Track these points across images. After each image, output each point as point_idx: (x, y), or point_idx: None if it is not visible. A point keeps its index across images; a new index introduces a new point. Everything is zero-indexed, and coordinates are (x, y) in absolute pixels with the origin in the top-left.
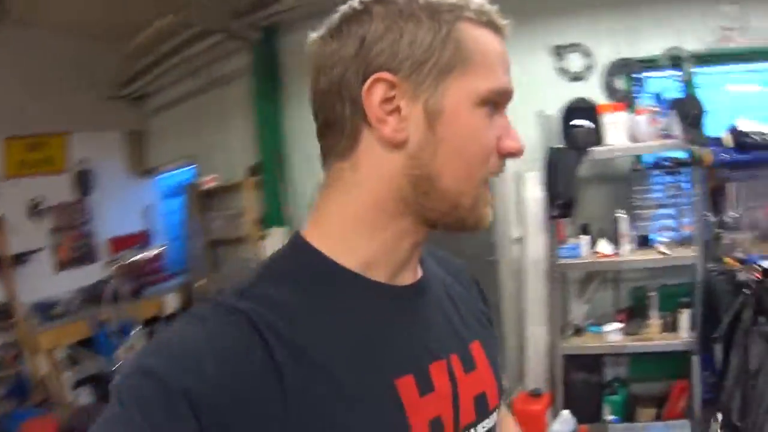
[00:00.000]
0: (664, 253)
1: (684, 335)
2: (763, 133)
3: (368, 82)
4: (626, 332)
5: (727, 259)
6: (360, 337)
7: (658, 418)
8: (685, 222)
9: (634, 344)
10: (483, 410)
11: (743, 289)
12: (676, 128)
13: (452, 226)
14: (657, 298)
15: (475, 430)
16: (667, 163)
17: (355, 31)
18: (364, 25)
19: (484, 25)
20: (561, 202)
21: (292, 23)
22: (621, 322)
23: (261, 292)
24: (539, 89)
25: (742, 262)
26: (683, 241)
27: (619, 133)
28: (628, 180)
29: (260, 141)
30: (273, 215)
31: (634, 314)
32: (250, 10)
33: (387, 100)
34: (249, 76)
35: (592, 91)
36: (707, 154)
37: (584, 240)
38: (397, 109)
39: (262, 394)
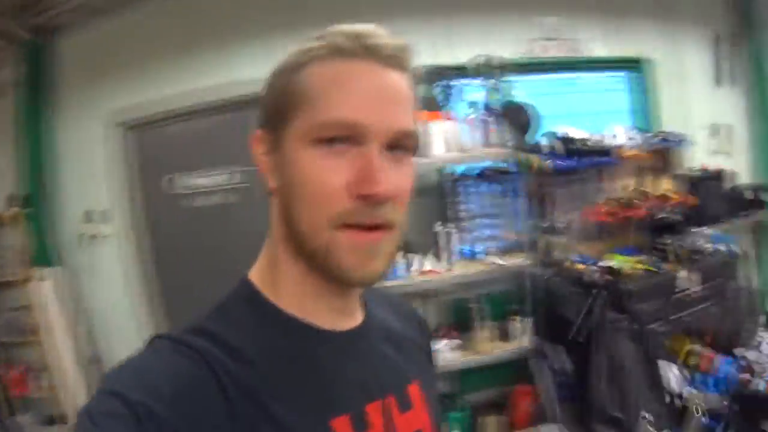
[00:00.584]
0: (492, 263)
1: (518, 342)
2: (585, 140)
3: (250, 138)
4: (459, 348)
5: (568, 263)
6: (300, 379)
7: (506, 426)
8: (510, 230)
9: (472, 358)
10: None
11: (592, 290)
12: (504, 136)
13: (327, 277)
14: (485, 308)
15: None
16: (490, 172)
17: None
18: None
19: (339, 54)
20: None
21: (72, 24)
22: (452, 338)
23: (212, 331)
24: None
25: (581, 264)
26: (509, 249)
27: (440, 142)
28: (448, 192)
29: (26, 165)
30: (41, 253)
31: (461, 327)
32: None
33: (263, 153)
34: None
35: None
36: (537, 162)
37: (403, 260)
38: (269, 160)
39: (212, 422)
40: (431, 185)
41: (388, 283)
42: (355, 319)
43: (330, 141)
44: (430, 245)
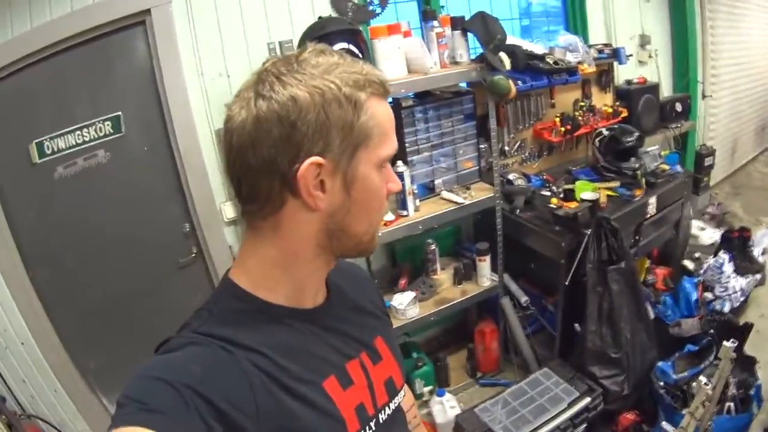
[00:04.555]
0: (458, 201)
1: (485, 282)
2: (544, 56)
3: (304, 165)
4: (420, 299)
5: (555, 199)
6: (294, 354)
7: (473, 369)
8: (467, 158)
9: (437, 310)
10: (392, 391)
11: (580, 229)
12: (465, 54)
13: (353, 255)
14: (446, 248)
15: (389, 407)
16: (439, 95)
17: (285, 114)
18: (291, 107)
19: (380, 95)
20: None
21: None
22: (412, 286)
23: (214, 330)
24: (261, 14)
25: (554, 197)
26: (469, 180)
27: (400, 63)
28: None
29: None
30: None
31: (420, 272)
32: None
33: (317, 176)
34: None
35: (320, 7)
36: (506, 83)
37: None
38: (322, 183)
39: (240, 395)
40: None
41: None
42: (323, 294)
43: (384, 165)
44: None
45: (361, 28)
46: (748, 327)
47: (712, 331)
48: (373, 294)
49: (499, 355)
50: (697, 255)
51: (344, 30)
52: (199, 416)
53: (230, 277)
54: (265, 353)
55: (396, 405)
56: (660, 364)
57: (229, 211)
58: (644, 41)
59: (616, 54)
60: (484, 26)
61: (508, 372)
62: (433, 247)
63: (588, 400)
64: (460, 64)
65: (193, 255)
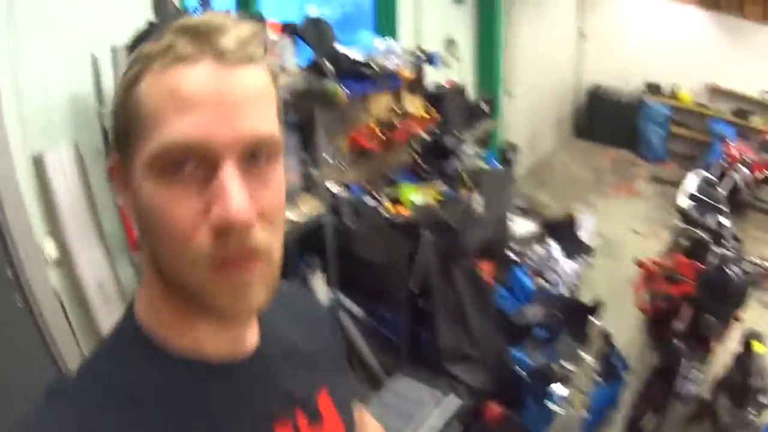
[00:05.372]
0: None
1: (320, 296)
2: (366, 62)
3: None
4: None
5: (388, 204)
6: (197, 424)
7: None
8: (291, 171)
9: None
10: None
11: (415, 233)
12: (293, 59)
13: (204, 312)
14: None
15: None
16: None
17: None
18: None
19: (176, 60)
20: None
21: None
22: None
23: (105, 375)
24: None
25: (377, 203)
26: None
27: None
28: None
29: None
30: None
31: None
32: None
33: (118, 176)
34: None
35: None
36: (339, 91)
37: None
38: (127, 191)
39: None
40: None
41: None
42: (250, 340)
43: (177, 167)
44: None
45: None
46: (598, 305)
47: (556, 313)
48: (324, 334)
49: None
50: (514, 245)
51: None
52: None
53: (133, 311)
54: (148, 405)
55: None
56: (514, 352)
57: (51, 248)
58: (450, 44)
59: (431, 58)
60: (317, 33)
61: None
62: None
63: (452, 396)
64: (289, 71)
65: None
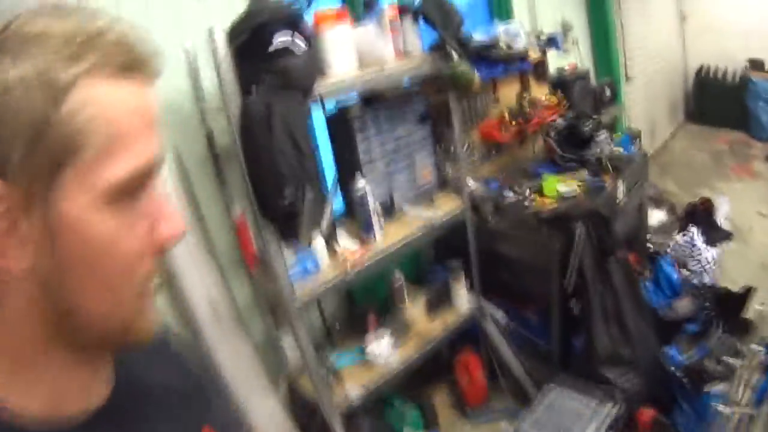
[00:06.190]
0: (426, 220)
1: (463, 306)
2: (494, 44)
3: None
4: (395, 342)
5: (536, 197)
6: None
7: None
8: (426, 168)
9: (415, 351)
10: None
11: (571, 227)
12: (417, 43)
13: (111, 348)
14: (412, 277)
15: None
16: (386, 96)
17: None
18: None
19: (120, 71)
20: (289, 196)
21: None
22: (382, 331)
23: None
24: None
25: (525, 199)
26: (430, 194)
27: (347, 54)
28: (348, 131)
29: None
30: None
31: (388, 310)
32: None
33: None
34: None
35: None
36: (474, 75)
37: (319, 242)
38: (15, 227)
39: None
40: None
41: (310, 282)
42: (104, 388)
43: (138, 191)
44: (322, 216)
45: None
46: (749, 291)
47: (707, 305)
48: (189, 366)
49: (485, 384)
50: (648, 236)
51: (283, 18)
52: None
53: None
54: None
55: None
56: (666, 350)
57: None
58: (566, 28)
59: (555, 41)
60: (440, 11)
61: (498, 399)
62: (400, 277)
63: (610, 405)
64: (413, 56)
65: None
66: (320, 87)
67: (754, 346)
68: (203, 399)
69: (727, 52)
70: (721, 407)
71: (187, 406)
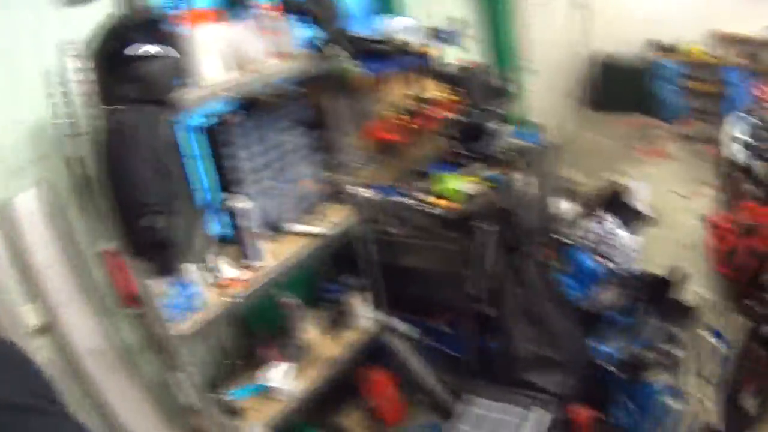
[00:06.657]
0: (312, 234)
1: (365, 323)
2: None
3: None
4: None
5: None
6: None
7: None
8: (309, 178)
9: (316, 376)
10: None
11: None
12: (297, 40)
13: None
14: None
15: None
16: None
17: None
18: None
19: None
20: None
21: None
22: (279, 360)
23: None
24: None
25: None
26: (314, 206)
27: (220, 56)
28: (219, 142)
29: None
30: None
31: (282, 337)
32: None
33: None
34: None
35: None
36: (357, 71)
37: (193, 271)
38: None
39: None
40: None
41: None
42: None
43: None
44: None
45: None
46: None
47: (634, 292)
48: (25, 380)
49: (400, 401)
50: (561, 228)
51: (139, 23)
52: None
53: None
54: None
55: None
56: (594, 345)
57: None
58: (464, 23)
59: (450, 36)
60: (320, 5)
61: (417, 416)
62: (291, 299)
63: (537, 409)
64: (293, 55)
65: None
66: (189, 94)
67: (700, 332)
68: (42, 410)
69: (628, 37)
70: (670, 401)
71: (22, 418)
